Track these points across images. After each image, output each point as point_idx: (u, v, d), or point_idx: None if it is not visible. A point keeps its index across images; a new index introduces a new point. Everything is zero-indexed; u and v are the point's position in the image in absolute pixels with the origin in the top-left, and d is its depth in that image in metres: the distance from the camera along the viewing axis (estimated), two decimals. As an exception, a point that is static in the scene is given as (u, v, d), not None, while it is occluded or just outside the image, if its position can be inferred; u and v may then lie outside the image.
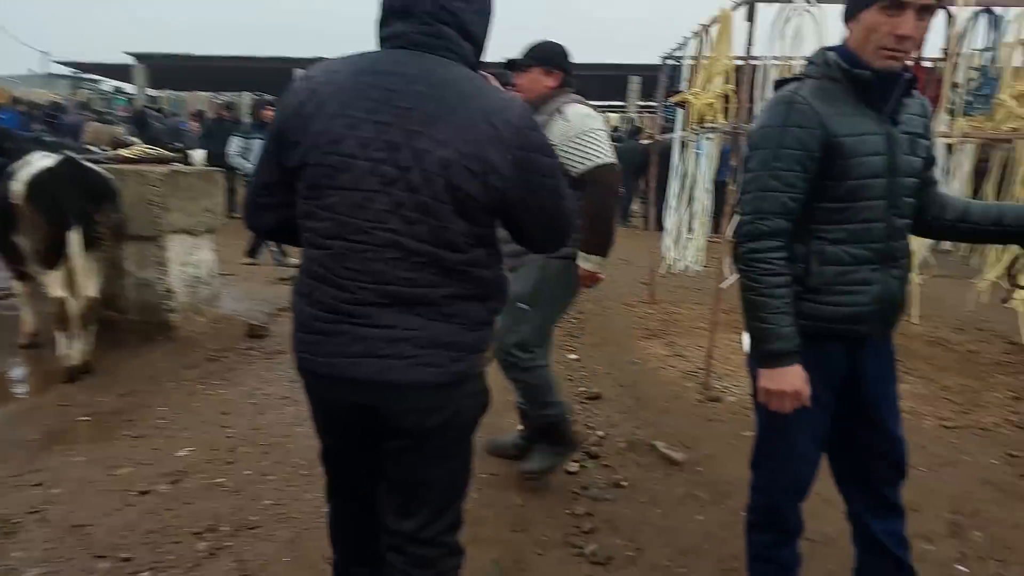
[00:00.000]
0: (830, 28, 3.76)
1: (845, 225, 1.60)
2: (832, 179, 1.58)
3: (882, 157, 1.60)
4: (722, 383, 4.06)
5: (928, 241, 4.28)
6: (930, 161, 1.78)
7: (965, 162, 4.58)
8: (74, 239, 3.57)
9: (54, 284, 3.65)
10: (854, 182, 1.58)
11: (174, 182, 4.25)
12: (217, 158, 6.89)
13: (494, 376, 1.80)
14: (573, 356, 4.59)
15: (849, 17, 1.60)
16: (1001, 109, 4.04)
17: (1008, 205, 1.85)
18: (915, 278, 4.25)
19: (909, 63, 1.71)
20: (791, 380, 1.60)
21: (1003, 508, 2.75)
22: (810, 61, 1.68)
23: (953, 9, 3.98)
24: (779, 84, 1.76)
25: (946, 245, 5.62)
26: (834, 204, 1.60)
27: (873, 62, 1.56)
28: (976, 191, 4.76)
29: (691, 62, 5.30)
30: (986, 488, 2.91)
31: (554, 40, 2.70)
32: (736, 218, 1.82)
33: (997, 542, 2.52)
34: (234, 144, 7.57)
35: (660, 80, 6.00)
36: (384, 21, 1.36)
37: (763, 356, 1.63)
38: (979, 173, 4.94)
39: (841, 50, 1.62)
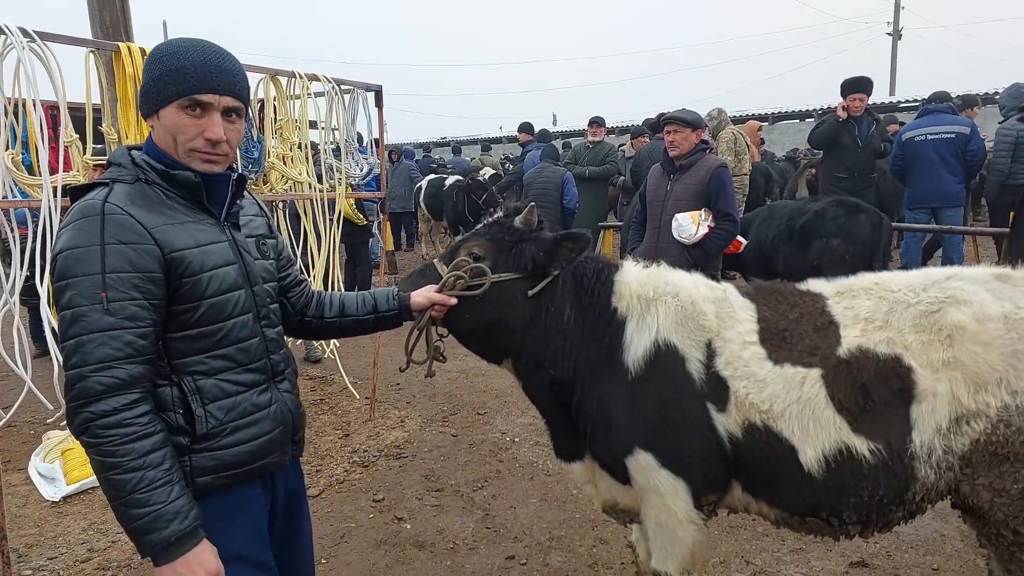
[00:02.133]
0: (64, 72, 2.84)
1: (218, 351, 1.43)
2: (186, 302, 1.38)
3: (235, 266, 1.47)
4: (36, 557, 2.79)
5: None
6: (286, 261, 1.73)
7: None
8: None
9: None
10: (213, 300, 1.41)
11: None
12: None
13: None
14: None
15: (148, 113, 1.42)
16: (272, 171, 4.01)
17: (378, 291, 1.88)
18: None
19: (234, 164, 1.52)
20: (203, 565, 1.31)
21: None
22: (111, 162, 1.45)
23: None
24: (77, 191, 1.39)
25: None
26: (197, 330, 1.40)
27: (191, 164, 1.41)
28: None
29: None
30: None
31: None
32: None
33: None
34: None
35: None
36: None
37: (157, 551, 1.28)
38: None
39: (151, 149, 1.44)
